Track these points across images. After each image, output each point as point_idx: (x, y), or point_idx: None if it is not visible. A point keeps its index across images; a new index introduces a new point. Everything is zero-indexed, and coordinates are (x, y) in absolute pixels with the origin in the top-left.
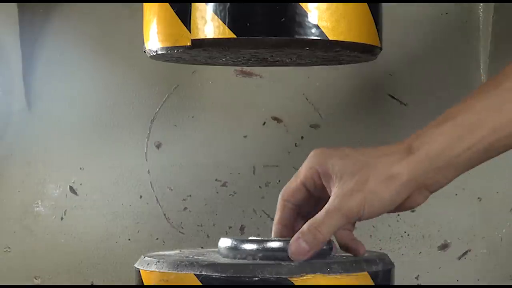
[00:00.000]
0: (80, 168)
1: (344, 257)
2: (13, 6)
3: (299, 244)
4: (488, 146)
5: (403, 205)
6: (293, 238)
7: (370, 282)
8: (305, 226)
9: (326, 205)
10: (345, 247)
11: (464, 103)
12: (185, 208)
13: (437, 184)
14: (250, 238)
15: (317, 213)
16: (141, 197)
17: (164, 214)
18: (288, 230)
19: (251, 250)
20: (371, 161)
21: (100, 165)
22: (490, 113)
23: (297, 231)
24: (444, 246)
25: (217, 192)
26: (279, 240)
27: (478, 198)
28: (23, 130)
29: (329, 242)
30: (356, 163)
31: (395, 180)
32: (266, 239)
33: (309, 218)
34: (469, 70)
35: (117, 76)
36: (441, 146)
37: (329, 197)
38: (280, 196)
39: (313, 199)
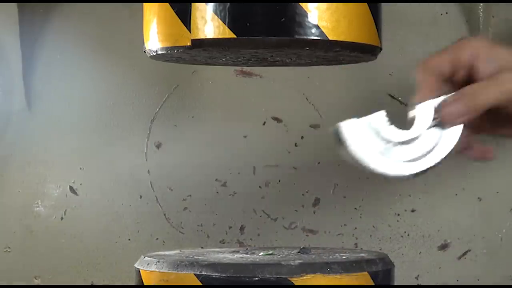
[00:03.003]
0: (80, 168)
1: (344, 257)
2: (13, 6)
3: (454, 106)
4: None
5: None
6: (450, 97)
7: (370, 282)
8: (466, 88)
9: (489, 78)
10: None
11: None
12: (185, 208)
13: None
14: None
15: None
16: (141, 197)
17: (164, 214)
18: None
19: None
20: None
21: (100, 165)
22: None
23: None
24: (444, 246)
25: (217, 192)
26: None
27: (478, 198)
28: (23, 130)
29: None
30: None
31: None
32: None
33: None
34: None
35: (117, 76)
36: None
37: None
38: (421, 65)
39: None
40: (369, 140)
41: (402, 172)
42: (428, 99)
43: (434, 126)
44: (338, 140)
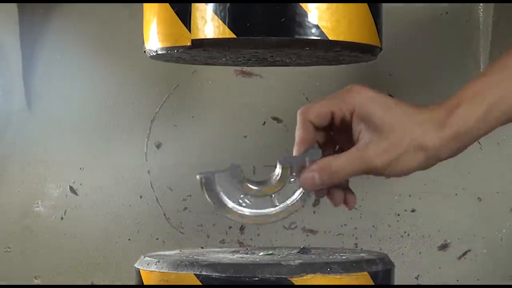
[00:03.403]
0: (80, 168)
1: (344, 257)
2: (13, 6)
3: (312, 176)
4: (504, 121)
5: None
6: (309, 169)
7: (370, 282)
8: (324, 163)
9: (353, 149)
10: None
11: (489, 79)
12: (185, 208)
13: (450, 155)
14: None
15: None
16: (141, 197)
17: (164, 214)
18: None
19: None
20: (409, 125)
21: (100, 165)
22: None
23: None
24: (444, 246)
25: None
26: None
27: (478, 198)
28: (23, 130)
29: None
30: (396, 121)
31: (424, 150)
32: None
33: (325, 147)
34: (469, 70)
35: (117, 76)
36: (471, 125)
37: (351, 136)
38: (301, 113)
39: (332, 131)
40: (226, 191)
41: (254, 221)
42: (301, 148)
43: (293, 182)
44: (202, 188)
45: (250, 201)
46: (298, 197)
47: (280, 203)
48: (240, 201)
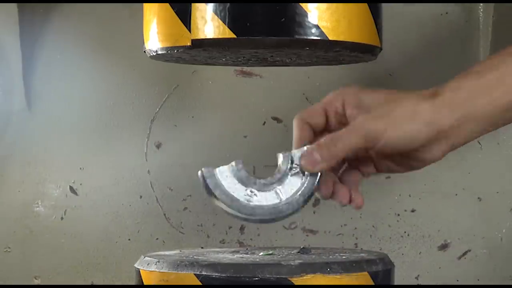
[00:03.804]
0: (80, 168)
1: (344, 257)
2: (13, 6)
3: (312, 155)
4: (509, 103)
5: (420, 153)
6: (308, 148)
7: (370, 282)
8: (322, 139)
9: (350, 124)
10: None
11: (487, 62)
12: (185, 208)
13: (456, 137)
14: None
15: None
16: (141, 197)
17: (164, 214)
18: None
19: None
20: (399, 97)
21: (100, 165)
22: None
23: None
24: (444, 246)
25: None
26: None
27: (478, 198)
28: (23, 130)
29: None
30: (386, 98)
31: (418, 116)
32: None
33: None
34: None
35: (117, 76)
36: (464, 95)
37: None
38: (297, 116)
39: (328, 127)
40: (230, 186)
41: (261, 216)
42: (299, 146)
43: (296, 173)
44: (203, 186)
45: (256, 195)
46: (304, 186)
47: (287, 195)
48: (246, 196)
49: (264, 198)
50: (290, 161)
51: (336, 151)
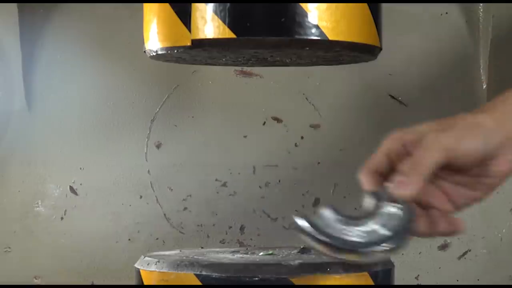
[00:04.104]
0: (80, 168)
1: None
2: (13, 6)
3: (402, 182)
4: None
5: (490, 165)
6: (394, 179)
7: (370, 282)
8: (401, 167)
9: (420, 145)
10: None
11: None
12: (185, 208)
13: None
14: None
15: None
16: (141, 197)
17: (164, 214)
18: None
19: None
20: (451, 118)
21: (100, 165)
22: None
23: None
24: (444, 246)
25: (217, 192)
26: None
27: None
28: (23, 130)
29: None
30: (436, 123)
31: (482, 125)
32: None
33: None
34: (469, 70)
35: (117, 76)
36: None
37: None
38: (363, 170)
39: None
40: (327, 229)
41: (368, 255)
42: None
43: (390, 207)
44: (300, 233)
45: (356, 232)
46: (401, 217)
47: (385, 229)
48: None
49: (364, 235)
50: (377, 199)
51: (422, 169)
